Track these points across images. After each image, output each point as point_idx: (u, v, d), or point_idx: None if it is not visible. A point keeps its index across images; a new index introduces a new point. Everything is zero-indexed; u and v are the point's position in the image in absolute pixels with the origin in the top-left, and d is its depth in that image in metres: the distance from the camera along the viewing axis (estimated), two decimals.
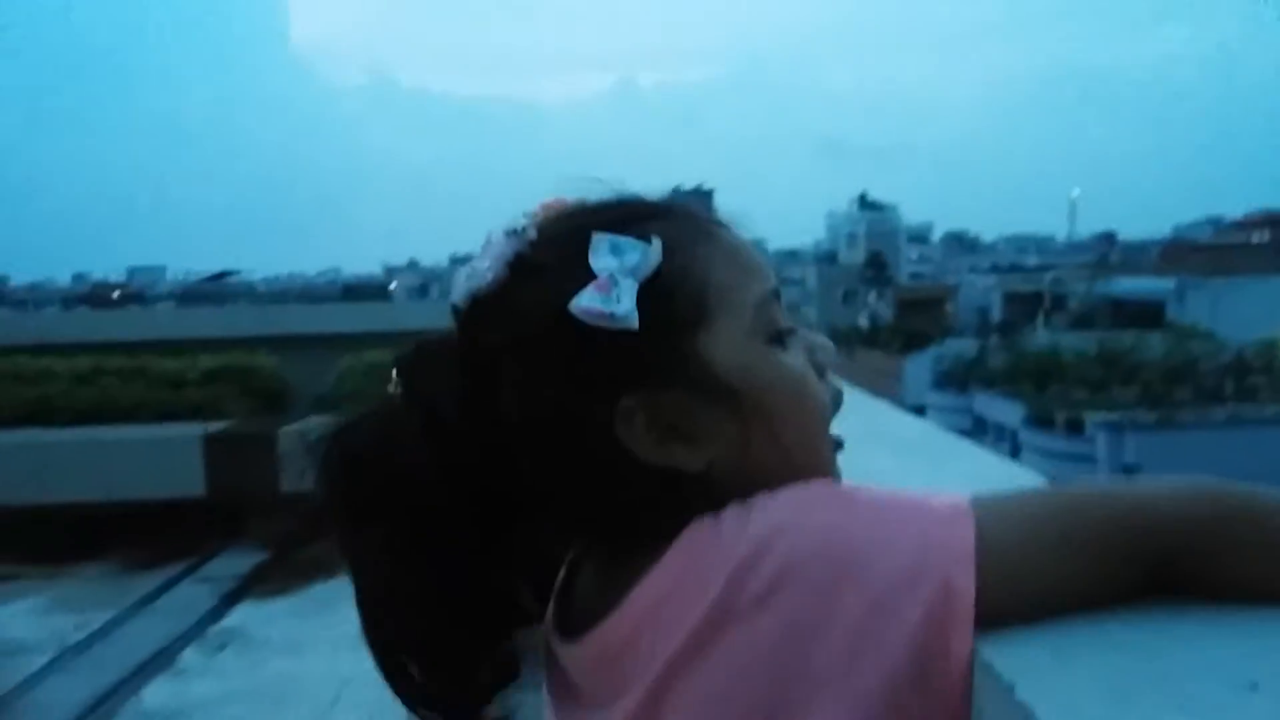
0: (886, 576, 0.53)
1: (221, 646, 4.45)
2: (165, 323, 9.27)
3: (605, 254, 0.59)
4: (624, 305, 0.58)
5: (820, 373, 0.66)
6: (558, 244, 0.61)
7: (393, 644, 0.64)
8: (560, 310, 0.58)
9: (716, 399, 0.61)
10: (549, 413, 0.60)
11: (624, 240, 0.60)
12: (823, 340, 0.68)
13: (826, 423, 0.66)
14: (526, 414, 0.60)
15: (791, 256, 78.50)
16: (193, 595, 5.18)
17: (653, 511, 0.60)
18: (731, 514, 0.57)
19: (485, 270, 0.62)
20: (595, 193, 0.66)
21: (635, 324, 0.58)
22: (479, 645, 0.65)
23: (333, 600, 4.85)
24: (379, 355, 6.81)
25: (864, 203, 70.76)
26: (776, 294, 0.65)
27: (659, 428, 0.60)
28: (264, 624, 4.68)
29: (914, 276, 66.39)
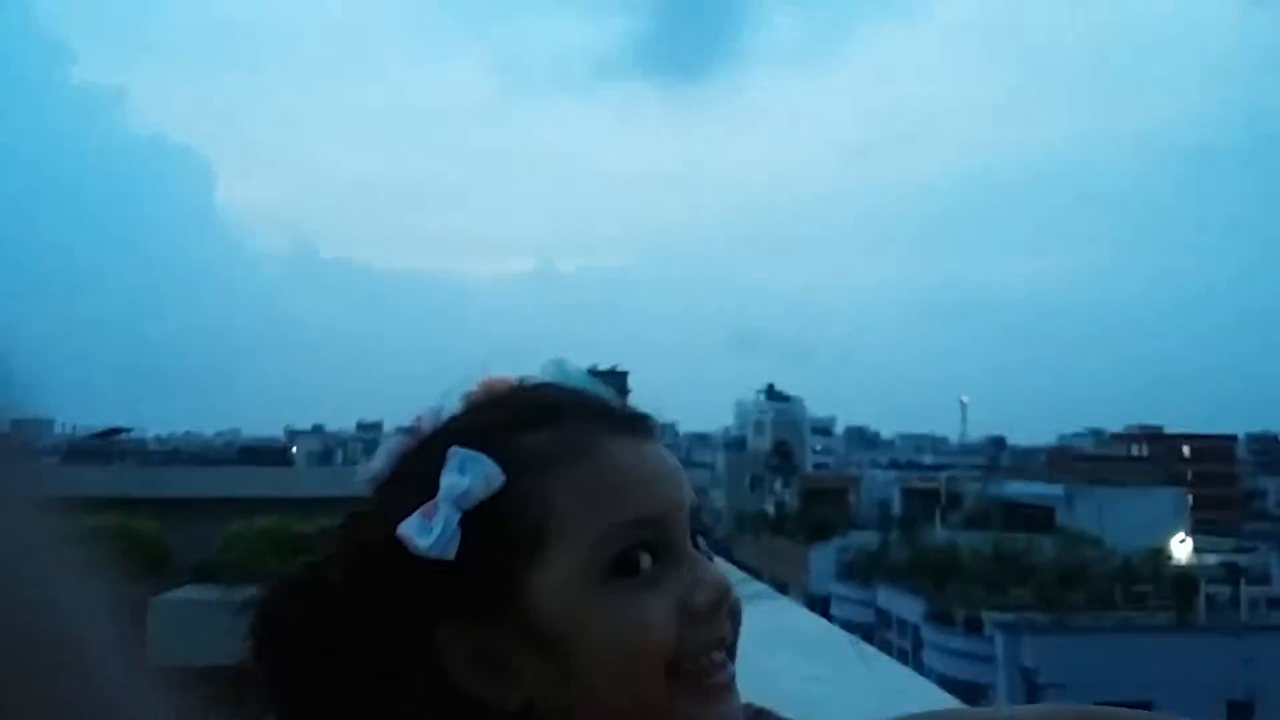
0: None
1: None
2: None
3: (454, 471, 0.60)
4: (431, 538, 0.58)
5: (697, 616, 0.61)
6: (428, 450, 0.63)
7: None
8: (393, 530, 0.60)
9: (536, 641, 0.60)
10: (380, 628, 0.61)
11: (472, 459, 0.60)
12: (711, 578, 0.62)
13: (667, 671, 0.60)
14: (367, 630, 0.61)
15: (702, 440, 79.66)
16: None
17: None
18: None
19: (376, 466, 0.66)
20: (535, 369, 0.70)
21: (446, 556, 0.58)
22: None
23: None
24: (270, 521, 6.50)
25: (771, 393, 72.79)
26: (656, 521, 0.61)
27: (479, 660, 0.60)
28: None
29: (818, 467, 67.64)
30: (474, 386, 0.69)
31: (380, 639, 0.61)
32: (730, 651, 0.63)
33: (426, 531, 0.58)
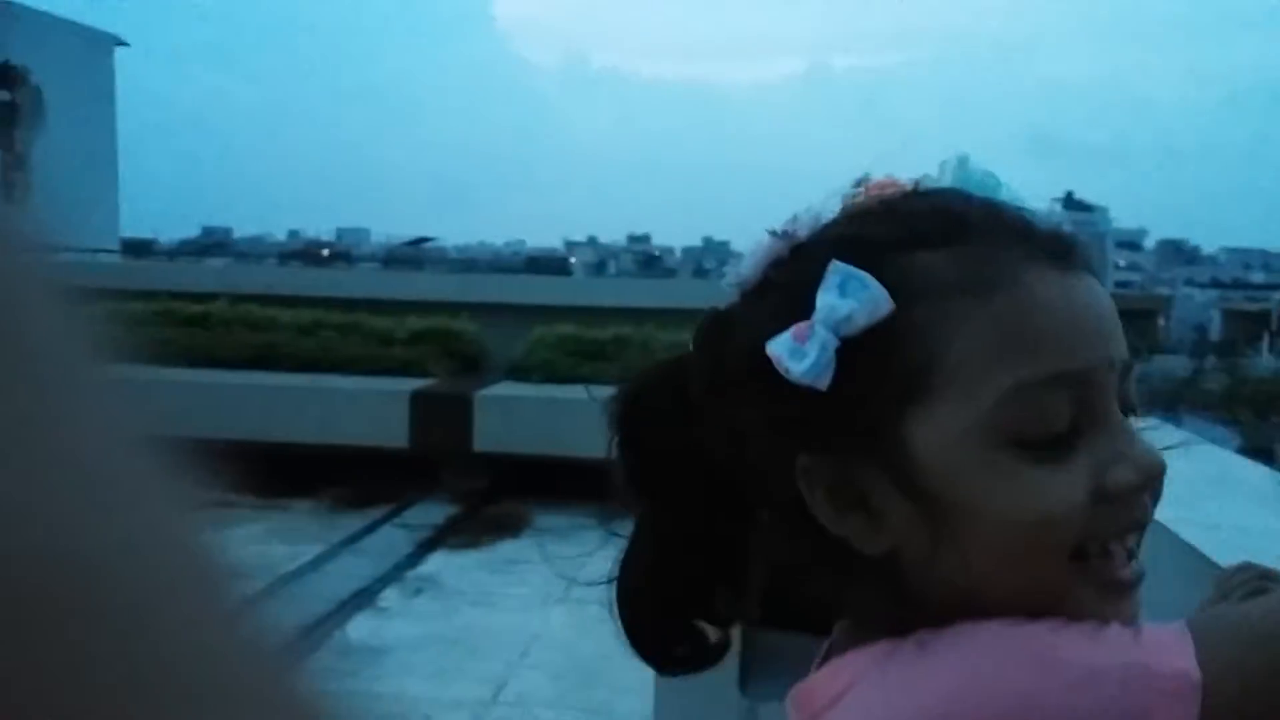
0: None
1: (418, 591, 4.68)
2: (374, 283, 9.84)
3: (831, 291, 0.52)
4: (805, 364, 0.52)
5: (1112, 497, 0.52)
6: (804, 261, 0.56)
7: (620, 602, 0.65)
8: (761, 345, 0.54)
9: (909, 491, 0.53)
10: (738, 446, 0.58)
11: (856, 279, 0.52)
12: (1138, 454, 0.52)
13: (1062, 557, 0.52)
14: (723, 441, 0.58)
15: None
16: (392, 539, 5.48)
17: (832, 579, 0.57)
18: (910, 654, 0.51)
19: (745, 271, 0.59)
20: (931, 172, 0.60)
21: (819, 385, 0.52)
22: (667, 626, 0.64)
23: (518, 559, 5.01)
24: (568, 328, 6.98)
25: (1069, 202, 66.50)
26: (1078, 379, 0.52)
27: (843, 496, 0.54)
28: (457, 574, 4.90)
29: (1122, 285, 61.86)
30: (860, 189, 0.59)
31: (737, 453, 0.58)
32: (1139, 535, 0.54)
33: (799, 356, 0.52)
